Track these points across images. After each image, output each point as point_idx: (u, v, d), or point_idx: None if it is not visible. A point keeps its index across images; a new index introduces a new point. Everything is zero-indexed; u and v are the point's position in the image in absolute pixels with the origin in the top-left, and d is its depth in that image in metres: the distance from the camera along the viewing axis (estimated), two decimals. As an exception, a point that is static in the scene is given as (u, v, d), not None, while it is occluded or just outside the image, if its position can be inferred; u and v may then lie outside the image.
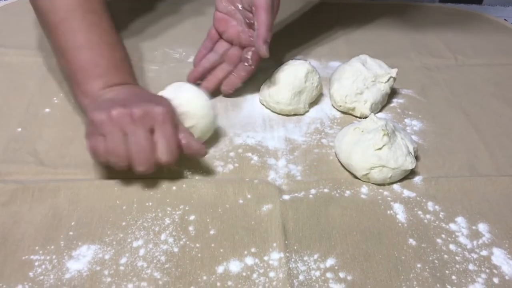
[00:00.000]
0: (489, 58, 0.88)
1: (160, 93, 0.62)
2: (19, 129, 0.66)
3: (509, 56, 0.88)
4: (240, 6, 0.70)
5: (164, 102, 0.58)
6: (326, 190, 0.60)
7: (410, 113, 0.74)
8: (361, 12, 1.00)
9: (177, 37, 0.88)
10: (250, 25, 0.69)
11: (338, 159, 0.64)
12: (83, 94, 0.61)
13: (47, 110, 0.69)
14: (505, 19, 1.00)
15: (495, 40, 0.93)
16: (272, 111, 0.72)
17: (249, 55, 0.70)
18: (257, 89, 0.75)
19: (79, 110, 0.68)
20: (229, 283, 0.49)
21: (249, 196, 0.59)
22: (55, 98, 0.71)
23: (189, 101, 0.61)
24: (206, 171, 0.62)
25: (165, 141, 0.55)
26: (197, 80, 0.73)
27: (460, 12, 1.02)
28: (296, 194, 0.59)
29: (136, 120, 0.54)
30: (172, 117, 0.57)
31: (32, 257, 0.50)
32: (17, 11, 0.91)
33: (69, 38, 0.62)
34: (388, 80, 0.72)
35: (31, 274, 0.49)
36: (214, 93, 0.73)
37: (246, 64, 0.71)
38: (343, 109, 0.72)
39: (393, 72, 0.73)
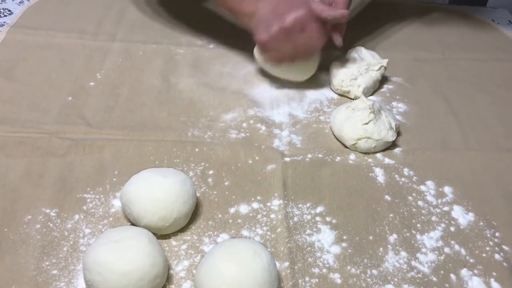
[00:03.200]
0: (473, 53, 0.99)
1: None
2: (70, 98, 0.79)
3: (491, 53, 0.99)
4: None
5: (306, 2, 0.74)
6: (320, 155, 0.73)
7: (397, 97, 0.86)
8: (363, 9, 1.10)
9: (200, 27, 1.00)
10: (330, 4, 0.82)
11: (332, 132, 0.77)
12: (242, 13, 0.79)
13: (91, 83, 0.83)
14: (493, 20, 1.11)
15: (481, 38, 1.04)
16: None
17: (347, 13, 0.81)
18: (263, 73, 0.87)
19: (118, 85, 0.82)
20: (239, 220, 0.63)
21: (257, 158, 0.72)
22: (98, 74, 0.85)
23: None
24: (223, 137, 0.75)
25: (315, 33, 0.75)
26: None
27: (453, 12, 1.13)
28: (295, 158, 0.72)
29: (291, 29, 0.73)
30: (311, 13, 0.74)
31: (85, 195, 0.64)
32: (63, -1, 1.04)
33: None
34: (380, 68, 0.85)
35: (84, 207, 0.62)
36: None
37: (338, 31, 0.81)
38: (339, 92, 0.85)
39: (384, 62, 0.85)
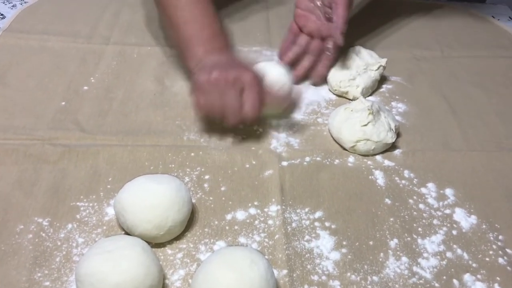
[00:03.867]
0: (472, 51, 0.98)
1: None
2: (63, 103, 0.78)
3: (490, 50, 0.98)
4: (319, 3, 0.82)
5: (253, 69, 0.71)
6: (318, 158, 0.71)
7: (396, 97, 0.85)
8: (362, 7, 1.09)
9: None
10: (329, 19, 0.81)
11: (331, 134, 0.75)
12: (189, 58, 0.75)
13: (85, 87, 0.81)
14: (493, 16, 1.09)
15: (480, 35, 1.02)
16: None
17: (330, 45, 0.82)
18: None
19: (113, 89, 0.81)
20: (236, 227, 0.61)
21: (254, 162, 0.70)
22: (91, 78, 0.83)
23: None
24: (219, 140, 0.73)
25: (251, 101, 0.68)
26: None
27: (451, 8, 1.11)
28: (293, 161, 0.71)
29: (230, 82, 0.67)
30: (259, 81, 0.69)
31: (78, 203, 0.63)
32: (58, 2, 1.02)
33: (178, 14, 0.76)
34: (378, 68, 0.83)
35: (77, 216, 0.61)
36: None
37: (328, 53, 0.82)
38: (337, 92, 0.83)
39: (383, 61, 0.83)
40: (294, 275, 0.56)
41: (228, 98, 0.68)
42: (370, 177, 0.69)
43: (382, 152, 0.73)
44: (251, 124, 0.74)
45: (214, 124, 0.74)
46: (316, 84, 0.85)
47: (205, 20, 0.76)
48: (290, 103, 0.77)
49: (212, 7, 0.78)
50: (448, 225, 0.64)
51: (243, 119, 0.69)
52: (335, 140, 0.75)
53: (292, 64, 0.84)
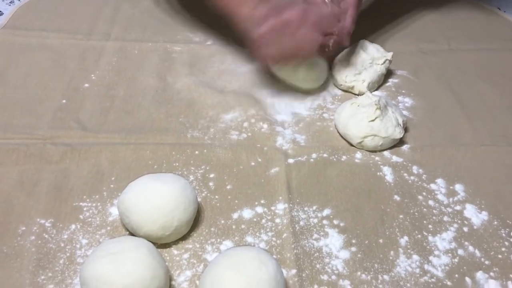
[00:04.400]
0: (479, 43, 0.96)
1: None
2: (64, 101, 0.76)
3: (497, 42, 0.96)
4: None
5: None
6: (325, 155, 0.70)
7: (403, 91, 0.83)
8: (367, 1, 1.07)
9: (197, 24, 0.96)
10: (335, 16, 0.78)
11: (337, 130, 0.74)
12: (241, 20, 0.74)
13: (86, 85, 0.80)
14: (498, 8, 1.07)
15: (486, 27, 1.01)
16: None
17: (330, 42, 0.80)
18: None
19: (114, 86, 0.79)
20: (242, 226, 0.60)
21: (259, 160, 0.69)
22: (92, 75, 0.82)
23: None
24: (223, 138, 0.72)
25: (312, 29, 0.71)
26: None
27: (458, 1, 1.09)
28: (299, 158, 0.69)
29: (288, 22, 0.69)
30: (310, 14, 0.71)
31: (81, 204, 0.61)
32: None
33: None
34: (384, 62, 0.81)
35: (81, 216, 0.60)
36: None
37: (326, 50, 0.80)
38: (343, 87, 0.82)
39: (389, 55, 0.82)
40: (303, 274, 0.55)
41: (296, 37, 0.70)
42: (378, 173, 0.68)
43: (390, 148, 0.71)
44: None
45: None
46: None
47: None
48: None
49: None
50: (459, 221, 0.62)
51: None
52: (341, 136, 0.73)
53: None
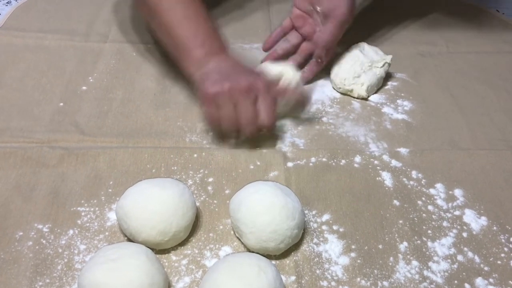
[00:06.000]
0: (478, 46, 0.96)
1: None
2: (61, 104, 0.76)
3: (497, 44, 0.96)
4: (318, 9, 0.79)
5: (262, 75, 0.69)
6: (324, 159, 0.70)
7: (402, 94, 0.83)
8: (365, 3, 1.07)
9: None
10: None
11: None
12: (188, 63, 0.70)
13: (84, 88, 0.79)
14: (497, 10, 1.07)
15: (486, 30, 1.01)
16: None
17: (323, 53, 0.80)
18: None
19: (112, 89, 0.79)
20: (241, 231, 0.60)
21: (258, 163, 0.69)
22: (90, 78, 0.81)
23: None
24: (222, 141, 0.72)
25: (266, 109, 0.66)
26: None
27: (456, 3, 1.09)
28: (299, 162, 0.69)
29: (244, 93, 0.65)
30: (271, 87, 0.67)
31: (79, 208, 0.61)
32: (53, -1, 1.01)
33: (170, 14, 0.72)
34: (383, 65, 0.81)
35: (79, 221, 0.59)
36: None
37: (319, 60, 0.80)
38: (342, 91, 0.81)
39: (388, 58, 0.82)
40: (303, 281, 0.55)
41: (243, 108, 0.65)
42: (377, 178, 0.68)
43: (389, 152, 0.71)
44: (268, 132, 0.70)
45: (226, 136, 0.71)
46: None
47: (200, 20, 0.72)
48: (300, 99, 0.74)
49: (204, 7, 0.74)
50: (458, 227, 0.62)
51: (260, 128, 0.67)
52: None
53: (278, 60, 0.82)
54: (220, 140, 0.71)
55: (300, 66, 0.82)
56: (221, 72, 0.67)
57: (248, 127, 0.67)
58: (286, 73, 0.75)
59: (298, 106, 0.75)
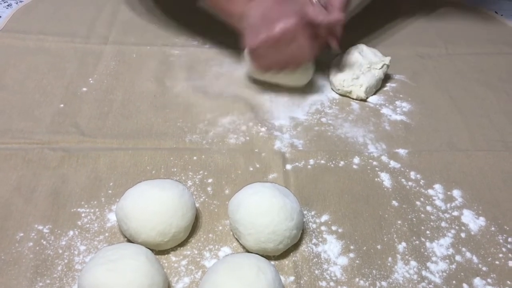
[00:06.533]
0: (477, 47, 0.96)
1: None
2: (62, 105, 0.76)
3: (496, 46, 0.96)
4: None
5: (299, 8, 0.71)
6: (323, 161, 0.70)
7: (401, 96, 0.83)
8: (364, 5, 1.07)
9: (196, 27, 0.96)
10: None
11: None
12: (232, 17, 0.75)
13: (84, 89, 0.80)
14: (496, 12, 1.08)
15: (484, 31, 1.01)
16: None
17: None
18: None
19: (112, 90, 0.79)
20: (241, 232, 0.60)
21: (257, 166, 0.69)
22: (90, 79, 0.81)
23: None
24: (221, 142, 0.72)
25: (304, 44, 0.71)
26: None
27: (455, 4, 1.10)
28: (297, 164, 0.69)
29: (280, 38, 0.70)
30: (303, 21, 0.70)
31: (79, 210, 0.61)
32: (54, 1, 1.01)
33: None
34: (382, 67, 0.82)
35: (79, 223, 0.60)
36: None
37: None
38: (341, 92, 0.82)
39: (387, 60, 0.82)
40: (302, 281, 0.55)
41: (287, 52, 0.71)
42: (376, 179, 0.68)
43: (388, 153, 0.71)
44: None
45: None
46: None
47: None
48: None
49: None
50: (457, 227, 0.62)
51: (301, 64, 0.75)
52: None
53: None
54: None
55: None
56: (259, 19, 0.71)
57: (291, 64, 0.74)
58: None
59: (303, 74, 0.80)
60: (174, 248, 0.58)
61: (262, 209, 0.56)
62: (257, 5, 0.72)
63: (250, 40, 0.72)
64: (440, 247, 0.60)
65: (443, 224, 0.63)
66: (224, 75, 0.85)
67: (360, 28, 0.96)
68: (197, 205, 0.62)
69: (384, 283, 0.56)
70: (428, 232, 0.62)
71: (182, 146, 0.71)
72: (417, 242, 0.60)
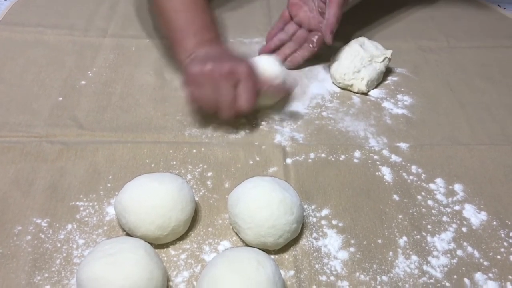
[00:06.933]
0: (478, 41, 0.95)
1: None
2: (60, 98, 0.75)
3: (497, 39, 0.96)
4: None
5: (247, 61, 0.69)
6: (323, 155, 0.69)
7: (402, 89, 0.82)
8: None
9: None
10: (321, 13, 0.79)
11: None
12: (180, 50, 0.73)
13: (83, 82, 0.79)
14: (498, 5, 1.07)
15: (486, 25, 1.00)
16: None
17: (315, 38, 0.81)
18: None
19: (111, 83, 0.78)
20: (240, 226, 0.60)
21: (257, 159, 0.68)
22: (89, 72, 0.81)
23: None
24: (221, 136, 0.72)
25: (246, 94, 0.67)
26: (267, 53, 0.83)
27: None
28: (298, 158, 0.69)
29: (224, 75, 0.65)
30: (253, 73, 0.68)
31: (77, 203, 0.61)
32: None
33: (170, 4, 0.74)
34: (383, 60, 0.81)
35: (77, 216, 0.59)
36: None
37: (310, 45, 0.82)
38: (342, 85, 0.81)
39: (388, 53, 0.81)
40: (302, 275, 0.55)
41: (223, 91, 0.66)
42: (377, 173, 0.67)
43: (389, 147, 0.71)
44: (246, 115, 0.72)
45: (208, 116, 0.73)
46: (289, 68, 0.83)
47: (197, 10, 0.74)
48: (284, 94, 0.75)
49: None
50: (458, 222, 0.62)
51: (238, 111, 0.68)
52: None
53: (275, 50, 0.85)
54: (200, 118, 0.73)
55: (294, 51, 0.84)
56: (207, 56, 0.68)
57: (226, 109, 0.68)
58: (269, 66, 0.74)
59: (282, 98, 0.76)
60: (173, 242, 0.57)
61: (262, 203, 0.55)
62: (210, 48, 0.71)
63: (195, 66, 0.67)
64: (441, 241, 0.59)
65: (444, 218, 0.62)
66: (224, 68, 0.84)
67: (361, 21, 0.95)
68: (196, 198, 0.62)
69: (384, 278, 0.55)
70: (429, 226, 0.61)
71: (181, 140, 0.70)
72: (418, 236, 0.60)
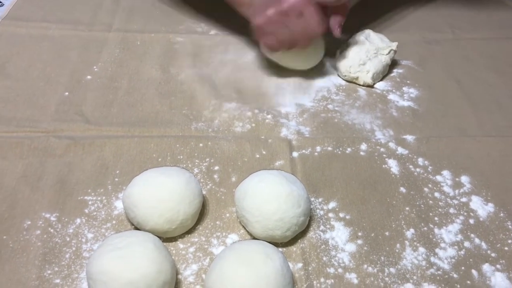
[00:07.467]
0: (484, 32, 0.95)
1: None
2: (66, 93, 0.76)
3: (504, 31, 0.95)
4: None
5: None
6: (329, 148, 0.69)
7: (408, 82, 0.82)
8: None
9: (200, 13, 0.95)
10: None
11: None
12: (242, 5, 0.75)
13: (88, 77, 0.79)
14: (504, -4, 1.06)
15: (492, 16, 0.99)
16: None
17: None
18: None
19: (117, 78, 0.79)
20: (248, 219, 0.60)
21: (264, 152, 0.68)
22: (95, 67, 0.81)
23: None
24: (227, 130, 0.72)
25: (313, 19, 0.70)
26: None
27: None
28: (304, 151, 0.69)
29: (287, 12, 0.69)
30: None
31: (86, 197, 0.61)
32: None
33: None
34: (389, 52, 0.81)
35: (86, 210, 0.60)
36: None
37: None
38: (347, 78, 0.81)
39: (394, 45, 0.81)
40: (310, 268, 0.55)
41: (292, 26, 0.70)
42: (383, 165, 0.67)
43: (396, 139, 0.71)
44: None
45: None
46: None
47: None
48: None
49: None
50: (465, 213, 0.62)
51: (313, 37, 0.74)
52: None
53: None
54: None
55: None
56: (264, 0, 0.71)
57: (302, 40, 0.73)
58: None
59: (310, 56, 0.80)
60: (181, 235, 0.58)
61: (269, 196, 0.56)
62: None
63: (258, 16, 0.71)
64: (448, 233, 0.60)
65: (451, 210, 0.62)
66: (229, 62, 0.84)
67: (367, 13, 0.94)
68: (204, 192, 0.62)
69: (392, 270, 0.55)
70: (436, 218, 0.61)
71: (188, 134, 0.71)
72: (425, 228, 0.60)
